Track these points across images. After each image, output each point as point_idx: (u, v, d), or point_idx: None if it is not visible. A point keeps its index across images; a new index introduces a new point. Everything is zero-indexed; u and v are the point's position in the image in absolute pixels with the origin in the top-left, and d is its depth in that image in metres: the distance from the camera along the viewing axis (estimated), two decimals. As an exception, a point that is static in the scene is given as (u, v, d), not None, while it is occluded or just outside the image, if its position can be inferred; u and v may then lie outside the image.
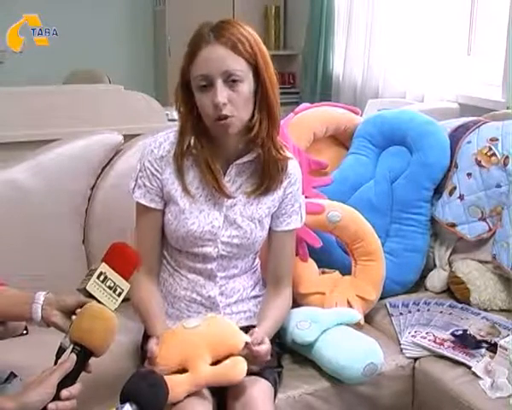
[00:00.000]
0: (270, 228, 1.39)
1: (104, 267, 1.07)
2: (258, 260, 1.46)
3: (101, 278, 1.06)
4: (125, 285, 1.08)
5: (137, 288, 1.28)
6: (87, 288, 1.05)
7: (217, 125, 1.24)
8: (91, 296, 1.06)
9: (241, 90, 1.21)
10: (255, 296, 1.43)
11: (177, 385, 1.15)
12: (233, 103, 1.21)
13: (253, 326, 1.32)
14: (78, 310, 1.05)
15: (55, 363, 1.00)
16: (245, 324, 1.37)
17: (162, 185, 1.33)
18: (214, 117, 1.22)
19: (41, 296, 1.10)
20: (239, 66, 1.21)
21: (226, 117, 1.21)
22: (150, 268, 1.36)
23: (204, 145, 1.29)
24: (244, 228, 1.33)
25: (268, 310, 1.37)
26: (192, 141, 1.30)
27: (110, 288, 1.06)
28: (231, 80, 1.20)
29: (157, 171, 1.32)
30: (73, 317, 1.05)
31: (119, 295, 1.07)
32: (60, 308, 1.09)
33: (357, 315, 1.53)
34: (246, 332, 1.26)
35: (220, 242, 1.33)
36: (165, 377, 1.08)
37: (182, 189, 1.31)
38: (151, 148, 1.33)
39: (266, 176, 1.32)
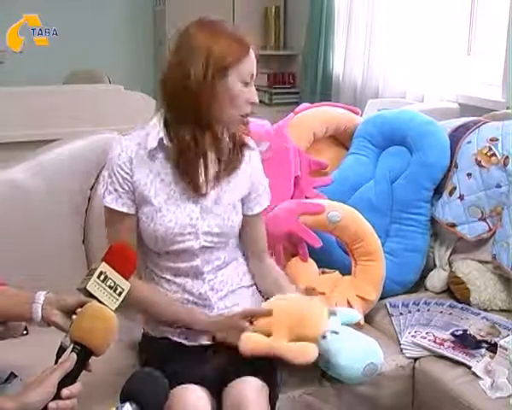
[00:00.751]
0: (243, 215, 1.42)
1: (104, 267, 1.07)
2: (240, 251, 1.46)
3: (102, 277, 1.06)
4: (125, 285, 1.08)
5: (136, 290, 1.25)
6: (87, 287, 1.05)
7: (240, 120, 1.33)
8: (92, 296, 1.06)
9: None
10: (247, 286, 1.44)
11: (258, 342, 1.28)
12: None
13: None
14: (79, 310, 1.05)
15: (56, 362, 1.00)
16: None
17: (134, 188, 1.32)
18: (243, 113, 1.31)
19: (41, 296, 1.10)
20: None
21: (248, 115, 1.34)
22: (137, 272, 1.35)
23: (200, 140, 1.29)
24: (221, 215, 1.35)
25: (278, 280, 1.46)
26: (173, 134, 1.30)
27: (110, 287, 1.06)
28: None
29: (127, 174, 1.32)
30: (74, 316, 1.05)
31: (120, 294, 1.07)
32: (60, 308, 1.09)
33: (358, 315, 1.53)
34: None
35: (201, 233, 1.34)
36: (249, 334, 1.25)
37: (156, 187, 1.32)
38: (117, 152, 1.32)
39: (230, 158, 1.36)
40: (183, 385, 1.22)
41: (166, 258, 1.36)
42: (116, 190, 1.32)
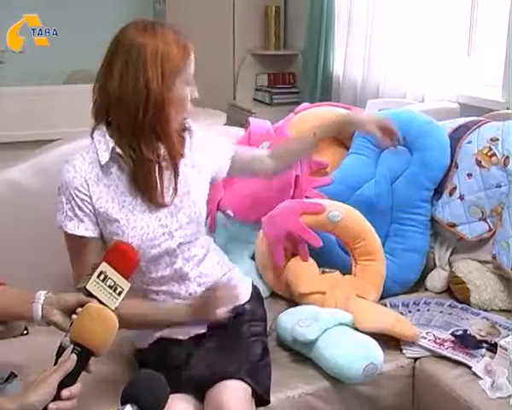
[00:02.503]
0: (228, 173, 1.48)
1: (104, 266, 1.07)
2: (211, 239, 1.48)
3: (102, 277, 1.06)
4: (125, 284, 1.08)
5: (119, 310, 1.15)
6: (87, 287, 1.05)
7: (185, 120, 1.35)
8: (91, 295, 1.06)
9: None
10: (226, 273, 1.45)
11: None
12: None
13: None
14: (79, 309, 1.05)
15: (56, 362, 1.00)
16: (243, 296, 1.42)
17: (95, 209, 1.28)
18: (188, 110, 1.33)
19: (41, 296, 1.10)
20: None
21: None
22: None
23: (145, 151, 1.26)
24: (185, 205, 1.34)
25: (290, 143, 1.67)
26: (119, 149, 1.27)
27: (110, 287, 1.06)
28: None
29: (86, 195, 1.27)
30: (74, 316, 1.05)
31: (120, 294, 1.06)
32: (60, 307, 1.09)
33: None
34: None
35: (174, 230, 1.33)
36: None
37: (118, 201, 1.29)
38: (71, 175, 1.27)
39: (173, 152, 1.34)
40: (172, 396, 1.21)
41: (149, 270, 1.34)
42: (76, 215, 1.27)
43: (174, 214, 1.33)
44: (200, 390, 1.26)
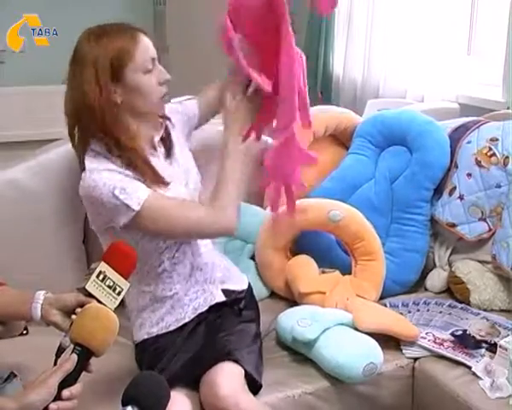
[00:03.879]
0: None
1: (103, 266, 1.07)
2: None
3: (101, 277, 1.06)
4: (124, 284, 1.08)
5: (224, 193, 1.27)
6: (86, 287, 1.05)
7: (159, 103, 1.33)
8: (91, 296, 1.06)
9: None
10: (224, 261, 1.48)
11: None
12: None
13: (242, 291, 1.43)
14: (78, 309, 1.05)
15: (55, 362, 1.00)
16: (241, 287, 1.44)
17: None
18: (160, 95, 1.31)
19: (41, 295, 1.10)
20: None
21: (166, 94, 1.33)
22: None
23: (129, 144, 1.28)
24: (189, 180, 1.38)
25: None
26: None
27: (109, 287, 1.06)
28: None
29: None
30: (73, 316, 1.05)
31: (119, 294, 1.06)
32: (59, 308, 1.09)
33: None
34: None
35: (188, 196, 1.36)
36: None
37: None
38: (103, 181, 1.25)
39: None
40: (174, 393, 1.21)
41: (169, 257, 1.35)
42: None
43: (186, 179, 1.39)
44: (194, 377, 1.27)
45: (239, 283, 1.47)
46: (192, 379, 1.29)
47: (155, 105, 1.33)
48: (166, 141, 1.39)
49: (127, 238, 1.24)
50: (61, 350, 1.01)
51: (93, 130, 1.28)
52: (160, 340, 1.36)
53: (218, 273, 1.42)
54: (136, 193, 1.25)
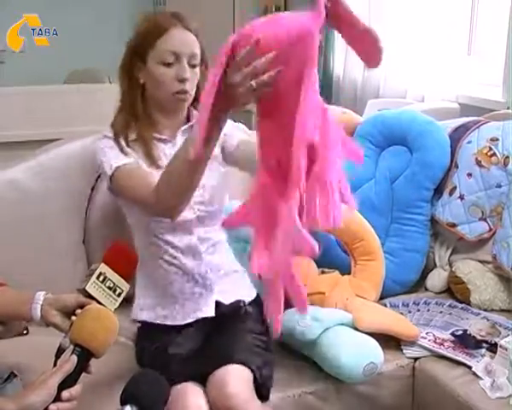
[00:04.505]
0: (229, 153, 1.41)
1: (104, 268, 1.07)
2: (225, 234, 1.46)
3: (101, 278, 1.06)
4: (124, 286, 1.08)
5: (166, 177, 1.22)
6: (86, 288, 1.06)
7: (174, 97, 1.34)
8: (91, 297, 1.06)
9: (196, 73, 1.36)
10: (237, 271, 1.45)
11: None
12: (191, 82, 1.35)
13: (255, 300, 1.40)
14: (78, 310, 1.05)
15: (55, 363, 1.00)
16: (248, 297, 1.41)
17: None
18: (175, 90, 1.33)
19: (41, 296, 1.10)
20: (198, 51, 1.36)
21: (185, 92, 1.34)
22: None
23: (145, 123, 1.36)
24: (209, 182, 1.36)
25: None
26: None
27: (110, 288, 1.06)
28: (192, 64, 1.34)
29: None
30: (73, 317, 1.06)
31: (119, 295, 1.07)
32: (59, 308, 1.09)
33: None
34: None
35: (194, 202, 1.33)
36: None
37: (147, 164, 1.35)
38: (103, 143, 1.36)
39: None
40: (181, 385, 1.23)
41: (164, 239, 1.35)
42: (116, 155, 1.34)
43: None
44: (202, 376, 1.26)
45: (241, 296, 1.41)
46: (198, 375, 1.27)
47: (169, 99, 1.34)
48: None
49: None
50: (60, 351, 1.02)
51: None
52: (157, 330, 1.35)
53: (216, 284, 1.38)
54: (112, 160, 1.32)
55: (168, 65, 1.32)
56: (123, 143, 1.35)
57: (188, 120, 1.42)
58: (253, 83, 0.86)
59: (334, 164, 0.91)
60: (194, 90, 1.37)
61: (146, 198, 1.23)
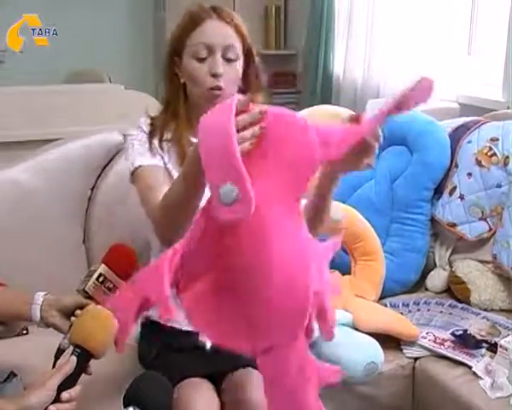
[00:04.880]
0: None
1: (103, 269, 1.07)
2: None
3: (101, 279, 1.06)
4: None
5: (165, 200, 1.15)
6: (86, 289, 1.06)
7: (209, 94, 1.25)
8: (90, 297, 1.06)
9: (234, 68, 1.26)
10: None
11: None
12: (228, 77, 1.25)
13: None
14: (78, 311, 1.05)
15: (54, 363, 1.00)
16: None
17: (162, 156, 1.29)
18: (209, 86, 1.25)
19: (40, 297, 1.10)
20: (238, 46, 1.27)
21: (220, 88, 1.25)
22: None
23: (183, 127, 1.28)
24: None
25: None
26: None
27: (109, 289, 1.06)
28: (228, 57, 1.25)
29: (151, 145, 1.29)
30: (72, 318, 1.06)
31: None
32: (59, 309, 1.09)
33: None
34: None
35: None
36: None
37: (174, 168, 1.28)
38: (139, 131, 1.30)
39: None
40: (190, 379, 1.20)
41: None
42: (142, 153, 1.28)
43: None
44: (214, 375, 1.24)
45: None
46: (210, 374, 1.24)
47: (204, 95, 1.26)
48: None
49: None
50: (60, 352, 1.01)
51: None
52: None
53: None
54: (138, 156, 1.26)
55: (201, 60, 1.24)
56: (155, 141, 1.29)
57: None
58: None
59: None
60: (234, 86, 1.27)
61: (153, 209, 1.17)
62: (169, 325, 1.33)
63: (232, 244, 0.80)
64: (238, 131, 0.81)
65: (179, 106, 1.29)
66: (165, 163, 1.28)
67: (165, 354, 1.28)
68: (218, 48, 1.24)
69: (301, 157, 0.82)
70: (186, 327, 1.32)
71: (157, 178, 1.24)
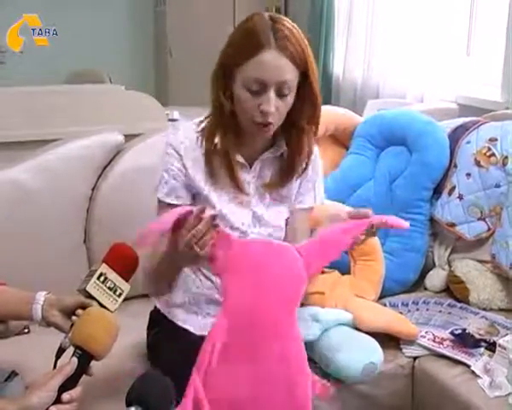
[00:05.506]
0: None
1: (104, 268, 1.07)
2: None
3: (102, 278, 1.06)
4: (125, 286, 1.08)
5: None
6: (87, 289, 1.06)
7: (256, 127, 1.21)
8: (91, 297, 1.06)
9: (287, 101, 1.21)
10: None
11: None
12: (278, 112, 1.20)
13: None
14: (79, 311, 1.06)
15: (55, 363, 1.00)
16: None
17: (189, 182, 1.26)
18: (257, 121, 1.20)
19: (41, 297, 1.11)
20: (293, 77, 1.19)
21: (268, 124, 1.20)
22: None
23: (230, 140, 1.23)
24: (272, 223, 1.31)
25: None
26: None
27: (110, 289, 1.06)
28: (282, 93, 1.18)
29: (182, 166, 1.25)
30: (73, 317, 1.06)
31: (120, 295, 1.07)
32: (60, 309, 1.09)
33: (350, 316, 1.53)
34: None
35: (251, 232, 1.29)
36: None
37: (210, 187, 1.26)
38: (172, 143, 1.25)
39: (294, 171, 1.30)
40: None
41: None
42: (168, 183, 1.26)
43: (256, 224, 1.30)
44: None
45: None
46: None
47: (250, 126, 1.21)
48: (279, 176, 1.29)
49: None
50: (61, 351, 1.02)
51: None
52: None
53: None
54: (163, 186, 1.25)
55: (253, 92, 1.17)
56: (188, 159, 1.24)
57: (271, 144, 1.28)
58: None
59: None
60: (283, 117, 1.22)
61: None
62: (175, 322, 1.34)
63: None
64: None
65: (226, 117, 1.22)
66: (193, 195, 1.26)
67: (176, 339, 1.28)
68: (272, 84, 1.16)
69: (288, 284, 1.06)
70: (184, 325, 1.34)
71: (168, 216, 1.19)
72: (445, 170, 1.84)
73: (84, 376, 0.98)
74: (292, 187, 1.34)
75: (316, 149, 1.36)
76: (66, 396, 0.94)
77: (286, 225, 1.35)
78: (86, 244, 1.67)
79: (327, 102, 3.14)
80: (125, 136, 1.72)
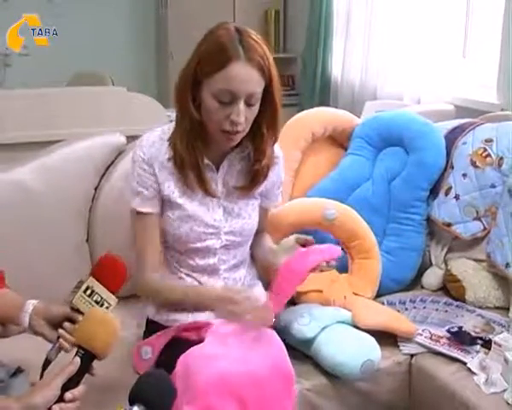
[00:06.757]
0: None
1: (91, 281, 1.06)
2: (249, 252, 1.48)
3: (88, 292, 1.05)
4: (112, 300, 1.07)
5: (157, 291, 1.33)
6: (73, 302, 1.06)
7: (224, 136, 1.25)
8: (78, 311, 1.06)
9: (254, 110, 1.25)
10: (252, 285, 1.46)
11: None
12: (246, 121, 1.24)
13: None
14: (66, 323, 1.06)
15: (41, 375, 1.01)
16: None
17: (159, 189, 1.31)
18: (225, 129, 1.23)
19: (30, 305, 1.11)
20: (260, 88, 1.24)
21: (236, 132, 1.24)
22: (157, 269, 1.37)
23: (197, 146, 1.28)
24: (243, 215, 1.37)
25: (272, 248, 1.47)
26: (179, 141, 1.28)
27: (97, 302, 1.05)
28: (250, 103, 1.23)
29: (152, 175, 1.31)
30: (60, 330, 1.06)
31: (107, 309, 1.06)
32: (47, 318, 1.09)
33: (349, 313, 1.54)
34: None
35: (223, 233, 1.35)
36: None
37: (180, 191, 1.32)
38: (140, 154, 1.31)
39: (259, 174, 1.36)
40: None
41: (186, 255, 1.37)
42: (140, 192, 1.31)
43: (227, 218, 1.35)
44: None
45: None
46: None
47: (217, 134, 1.25)
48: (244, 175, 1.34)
49: None
50: (47, 363, 1.03)
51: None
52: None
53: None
54: (135, 197, 1.32)
55: (222, 103, 1.20)
56: (156, 167, 1.29)
57: (237, 145, 1.31)
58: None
59: None
60: (250, 124, 1.26)
61: (141, 276, 1.30)
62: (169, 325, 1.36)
63: None
64: None
65: (194, 125, 1.26)
66: (156, 214, 1.33)
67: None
68: (242, 96, 1.20)
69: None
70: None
71: (150, 234, 1.32)
72: (442, 170, 1.85)
73: (86, 375, 0.99)
74: (258, 187, 1.39)
75: (280, 152, 1.41)
76: (68, 395, 0.94)
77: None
78: (89, 243, 1.68)
79: (325, 103, 3.16)
80: (127, 137, 1.74)
